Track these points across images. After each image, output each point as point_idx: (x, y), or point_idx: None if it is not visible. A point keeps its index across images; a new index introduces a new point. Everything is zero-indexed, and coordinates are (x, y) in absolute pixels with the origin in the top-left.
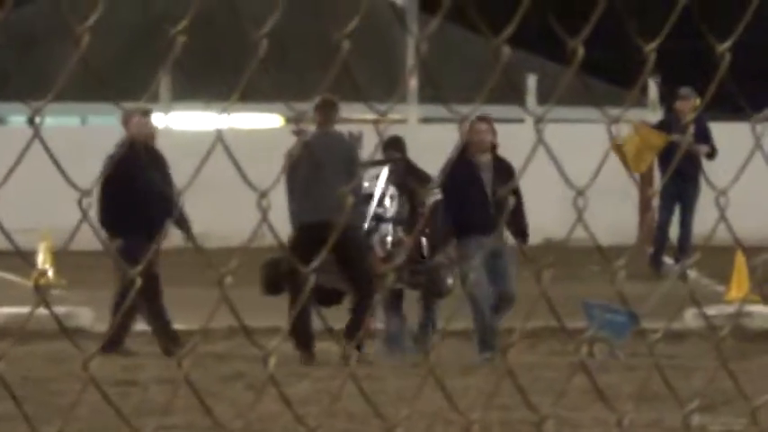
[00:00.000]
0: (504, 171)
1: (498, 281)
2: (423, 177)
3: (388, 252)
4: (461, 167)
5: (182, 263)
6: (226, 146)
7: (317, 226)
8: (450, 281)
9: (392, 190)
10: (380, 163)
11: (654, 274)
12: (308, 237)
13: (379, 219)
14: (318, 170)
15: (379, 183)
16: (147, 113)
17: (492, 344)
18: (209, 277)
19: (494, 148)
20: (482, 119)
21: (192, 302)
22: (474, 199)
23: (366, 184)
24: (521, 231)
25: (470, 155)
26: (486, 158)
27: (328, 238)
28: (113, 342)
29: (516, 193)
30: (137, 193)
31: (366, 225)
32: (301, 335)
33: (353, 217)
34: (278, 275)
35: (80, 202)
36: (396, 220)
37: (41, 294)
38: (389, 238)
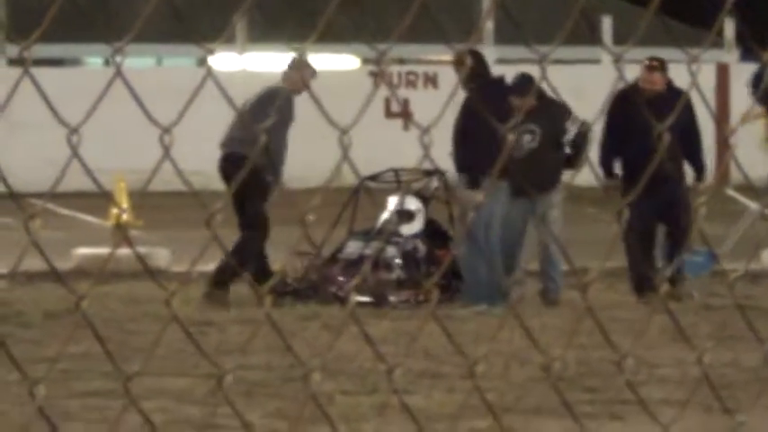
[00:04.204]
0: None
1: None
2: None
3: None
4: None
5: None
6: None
7: (225, 158)
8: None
9: (417, 204)
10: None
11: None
12: (221, 169)
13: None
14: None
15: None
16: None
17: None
18: (290, 216)
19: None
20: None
21: (272, 241)
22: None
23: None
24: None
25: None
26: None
27: (229, 171)
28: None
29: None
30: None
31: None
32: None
33: (264, 160)
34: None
35: (162, 140)
36: (418, 236)
37: (122, 234)
38: (420, 254)
